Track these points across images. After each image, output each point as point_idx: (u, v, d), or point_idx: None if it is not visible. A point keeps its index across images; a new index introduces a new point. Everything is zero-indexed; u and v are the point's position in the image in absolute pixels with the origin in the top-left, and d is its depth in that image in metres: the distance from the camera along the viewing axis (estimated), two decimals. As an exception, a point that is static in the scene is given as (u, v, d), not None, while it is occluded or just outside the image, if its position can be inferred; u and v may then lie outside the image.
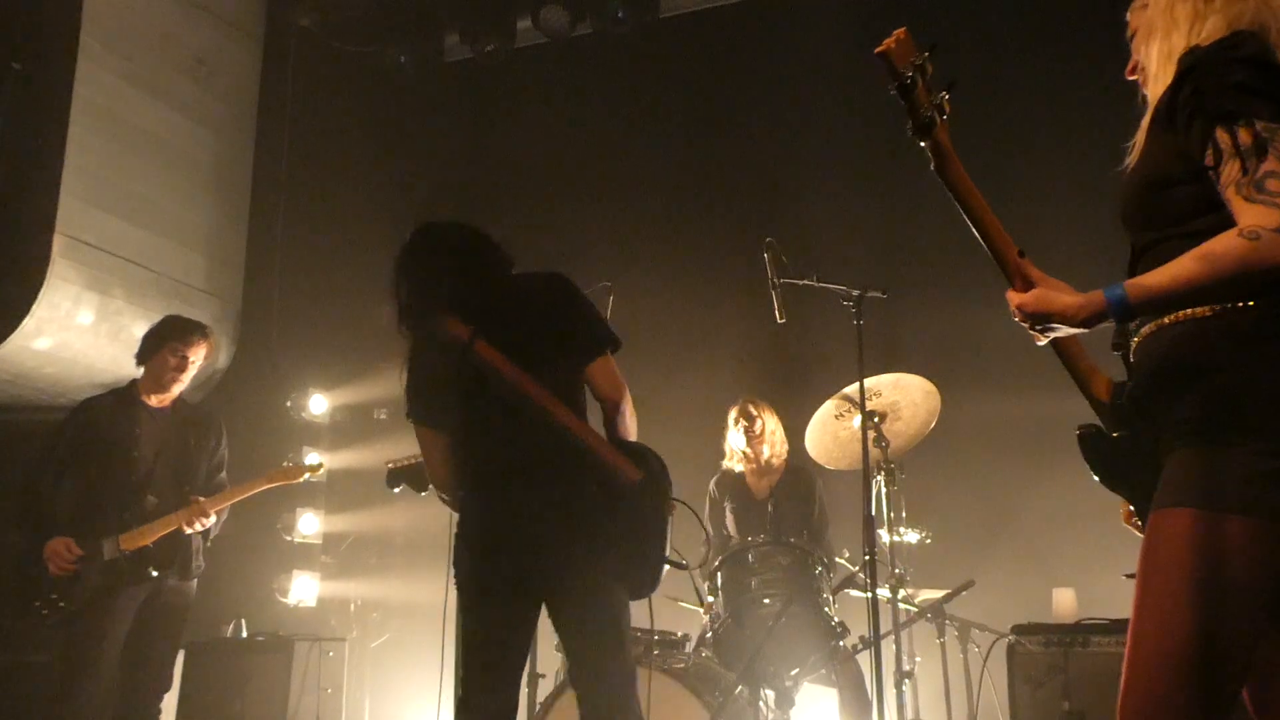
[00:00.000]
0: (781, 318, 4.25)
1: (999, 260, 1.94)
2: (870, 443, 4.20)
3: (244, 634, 5.62)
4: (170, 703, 4.62)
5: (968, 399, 4.92)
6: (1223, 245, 1.74)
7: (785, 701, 4.04)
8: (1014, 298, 1.94)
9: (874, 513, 4.13)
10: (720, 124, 6.65)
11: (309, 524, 6.81)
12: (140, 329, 4.76)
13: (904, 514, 4.51)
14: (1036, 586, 4.83)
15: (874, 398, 4.36)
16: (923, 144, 1.84)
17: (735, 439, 5.05)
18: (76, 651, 4.15)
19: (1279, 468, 1.72)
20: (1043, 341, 1.98)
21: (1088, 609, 4.23)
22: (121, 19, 6.10)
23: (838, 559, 4.58)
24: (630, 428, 3.15)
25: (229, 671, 5.28)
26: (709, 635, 4.23)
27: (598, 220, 6.69)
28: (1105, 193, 2.08)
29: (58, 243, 5.59)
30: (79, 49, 5.82)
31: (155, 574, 4.26)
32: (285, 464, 4.70)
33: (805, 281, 4.23)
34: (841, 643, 4.15)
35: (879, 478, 4.39)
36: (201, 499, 4.32)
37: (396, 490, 3.65)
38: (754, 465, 5.03)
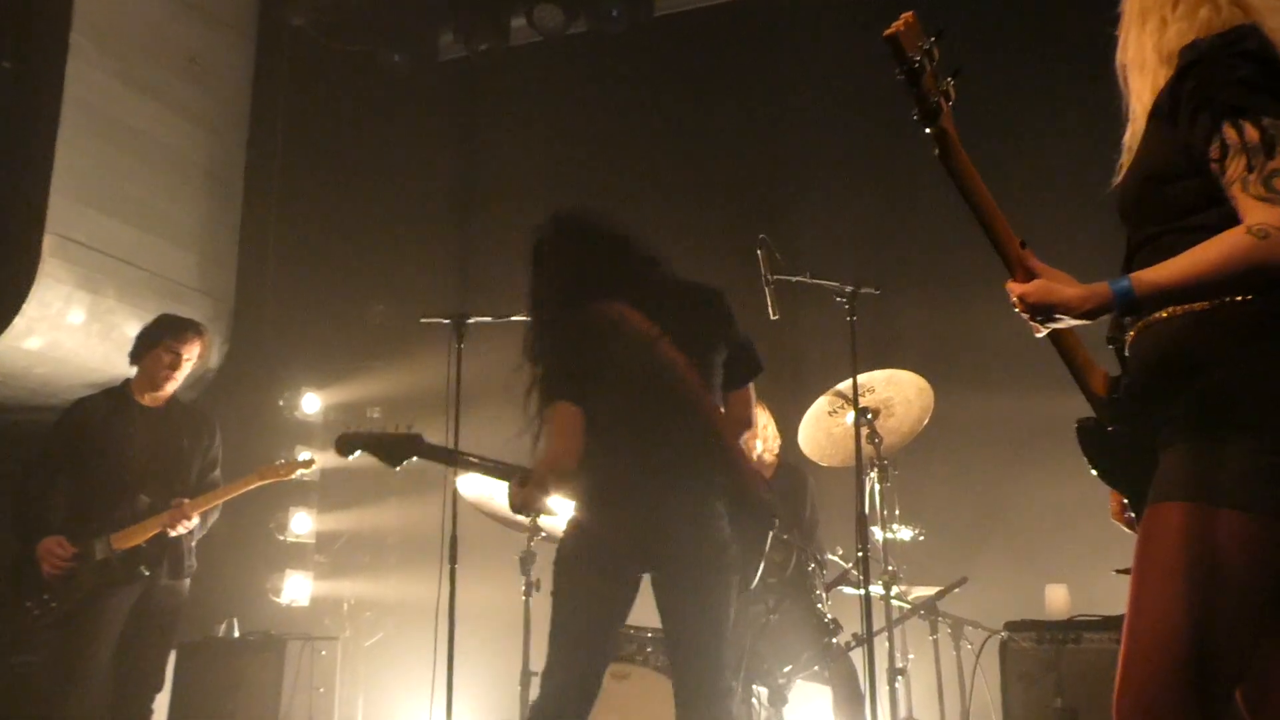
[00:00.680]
0: (775, 314, 4.24)
1: (1000, 251, 1.92)
2: (863, 439, 4.20)
3: (236, 633, 5.60)
4: (162, 702, 4.61)
5: (961, 396, 4.92)
6: (1230, 242, 1.74)
7: (779, 699, 4.03)
8: (1015, 288, 1.92)
9: (867, 509, 4.13)
10: (713, 122, 6.64)
11: (302, 523, 6.80)
12: (132, 328, 4.75)
13: (897, 511, 4.51)
14: (1029, 583, 4.83)
15: (867, 394, 4.36)
16: (928, 130, 1.82)
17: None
18: (69, 651, 4.14)
19: (1275, 463, 1.72)
20: (1042, 333, 1.96)
21: (1080, 606, 4.24)
22: (113, 17, 6.07)
23: (831, 556, 4.58)
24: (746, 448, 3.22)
25: (221, 671, 5.26)
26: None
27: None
28: (1105, 185, 2.07)
29: (48, 242, 5.56)
30: (70, 47, 5.78)
31: (147, 573, 4.24)
32: (278, 462, 4.68)
33: (798, 278, 4.23)
34: (834, 640, 4.14)
35: (872, 474, 4.40)
36: (185, 501, 4.30)
37: (351, 458, 3.54)
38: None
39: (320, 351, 7.10)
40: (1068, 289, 1.88)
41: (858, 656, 4.17)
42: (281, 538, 6.72)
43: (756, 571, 3.14)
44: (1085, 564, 4.67)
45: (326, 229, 7.28)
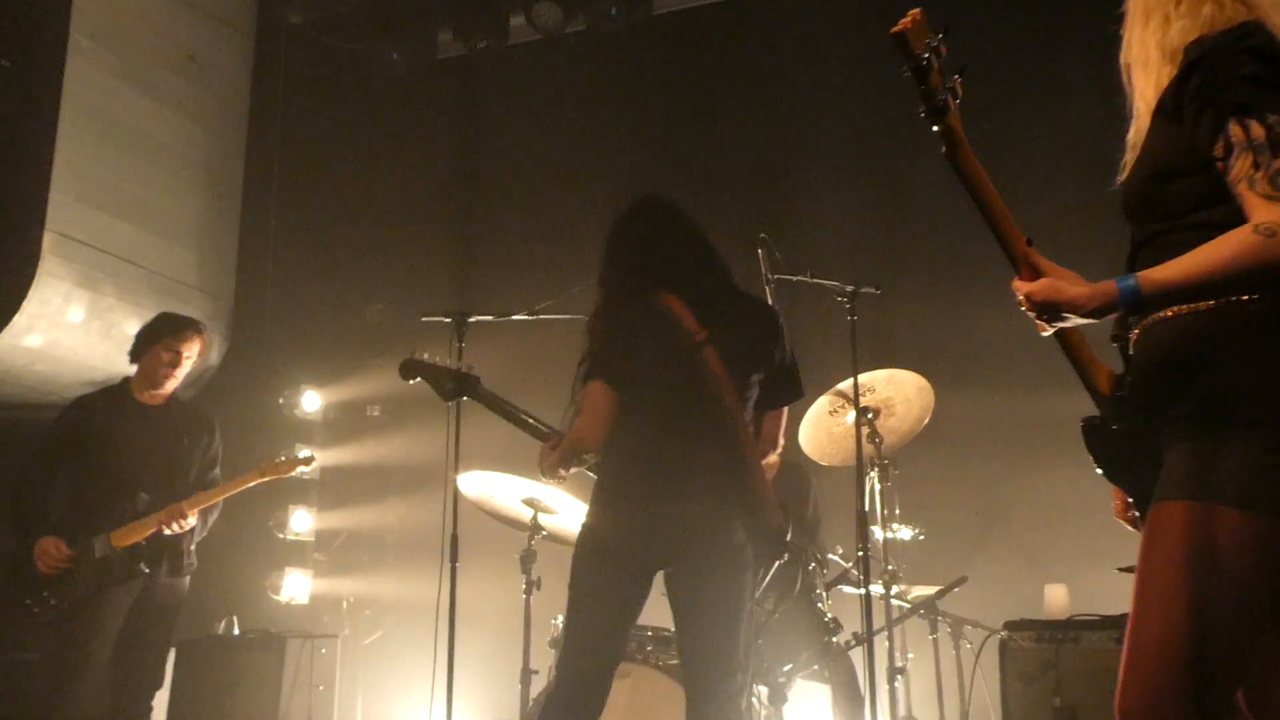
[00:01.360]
0: (775, 314, 4.24)
1: (1006, 248, 1.92)
2: (864, 439, 4.21)
3: (236, 631, 5.60)
4: (162, 700, 4.61)
5: (961, 395, 4.92)
6: (1238, 240, 1.74)
7: (778, 698, 4.03)
8: (1021, 287, 1.92)
9: (867, 509, 4.14)
10: (713, 120, 6.65)
11: (301, 521, 6.80)
12: (131, 326, 4.75)
13: (897, 510, 4.52)
14: (1029, 583, 4.84)
15: (868, 394, 4.36)
16: (935, 128, 1.82)
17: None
18: (68, 649, 4.14)
19: (1278, 462, 1.72)
20: (1048, 332, 1.96)
21: (1080, 605, 4.24)
22: (111, 15, 6.07)
23: (831, 555, 4.58)
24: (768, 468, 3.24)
25: (221, 669, 5.25)
26: (703, 631, 4.22)
27: (590, 216, 6.65)
28: (1110, 182, 2.07)
29: (48, 239, 5.56)
30: (68, 45, 5.78)
31: (146, 570, 4.24)
32: (278, 458, 4.68)
33: (799, 278, 4.23)
34: (834, 639, 4.15)
35: (872, 474, 4.40)
36: (182, 502, 4.29)
37: (412, 382, 3.62)
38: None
39: (320, 349, 7.11)
40: (1074, 287, 1.88)
41: (857, 655, 4.17)
42: (281, 536, 6.72)
43: (752, 597, 3.11)
44: (1084, 564, 4.67)
45: (326, 227, 7.28)
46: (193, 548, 4.46)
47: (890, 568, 4.30)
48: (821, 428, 4.60)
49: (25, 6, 5.86)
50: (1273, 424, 1.73)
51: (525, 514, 4.12)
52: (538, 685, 4.17)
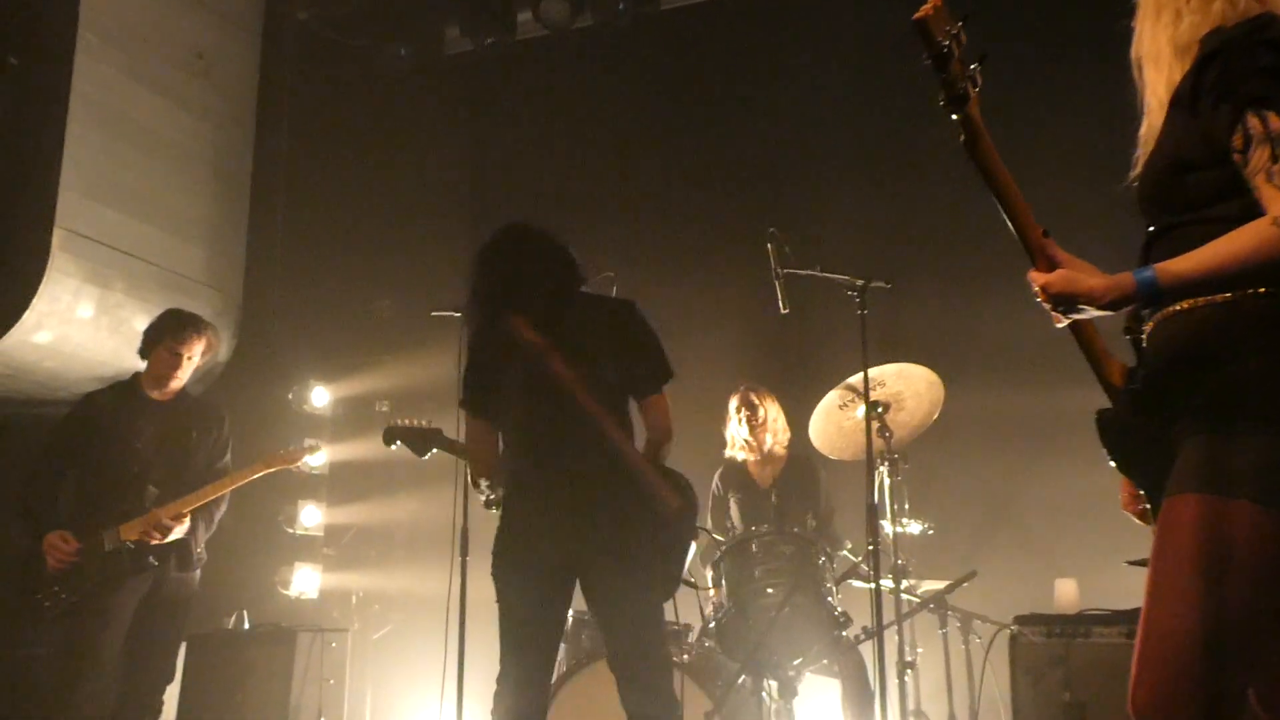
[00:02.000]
0: (785, 308, 4.25)
1: (1023, 239, 1.92)
2: (874, 433, 4.21)
3: (246, 625, 5.62)
4: (173, 693, 4.62)
5: (971, 389, 4.91)
6: (1255, 233, 1.74)
7: (788, 691, 4.04)
8: (1038, 278, 1.92)
9: (877, 503, 4.14)
10: (722, 115, 6.63)
11: (311, 516, 6.81)
12: (141, 322, 4.76)
13: (906, 505, 4.51)
14: (1039, 577, 4.83)
15: (877, 388, 4.36)
16: (955, 117, 1.82)
17: (737, 429, 5.06)
18: (78, 643, 4.15)
19: None
20: (1063, 324, 1.96)
21: (1090, 600, 4.23)
22: (119, 13, 6.07)
23: (842, 551, 4.58)
24: (668, 454, 3.35)
25: (231, 663, 5.28)
26: (712, 625, 4.24)
27: (600, 212, 6.68)
28: (1126, 174, 2.06)
29: (57, 236, 5.56)
30: (77, 43, 5.78)
31: (155, 564, 4.26)
32: (284, 449, 4.69)
33: (808, 272, 4.24)
34: (844, 633, 4.15)
35: (882, 468, 4.40)
36: (158, 510, 4.28)
37: (392, 447, 3.81)
38: (757, 455, 5.04)
39: (329, 345, 7.12)
40: (1091, 279, 1.87)
41: (867, 650, 4.17)
42: (290, 530, 6.73)
43: (677, 580, 3.28)
44: (1095, 558, 4.66)
45: (334, 222, 7.29)
46: (202, 542, 4.47)
47: (900, 562, 4.30)
48: (831, 422, 4.60)
49: (34, 5, 5.87)
50: None
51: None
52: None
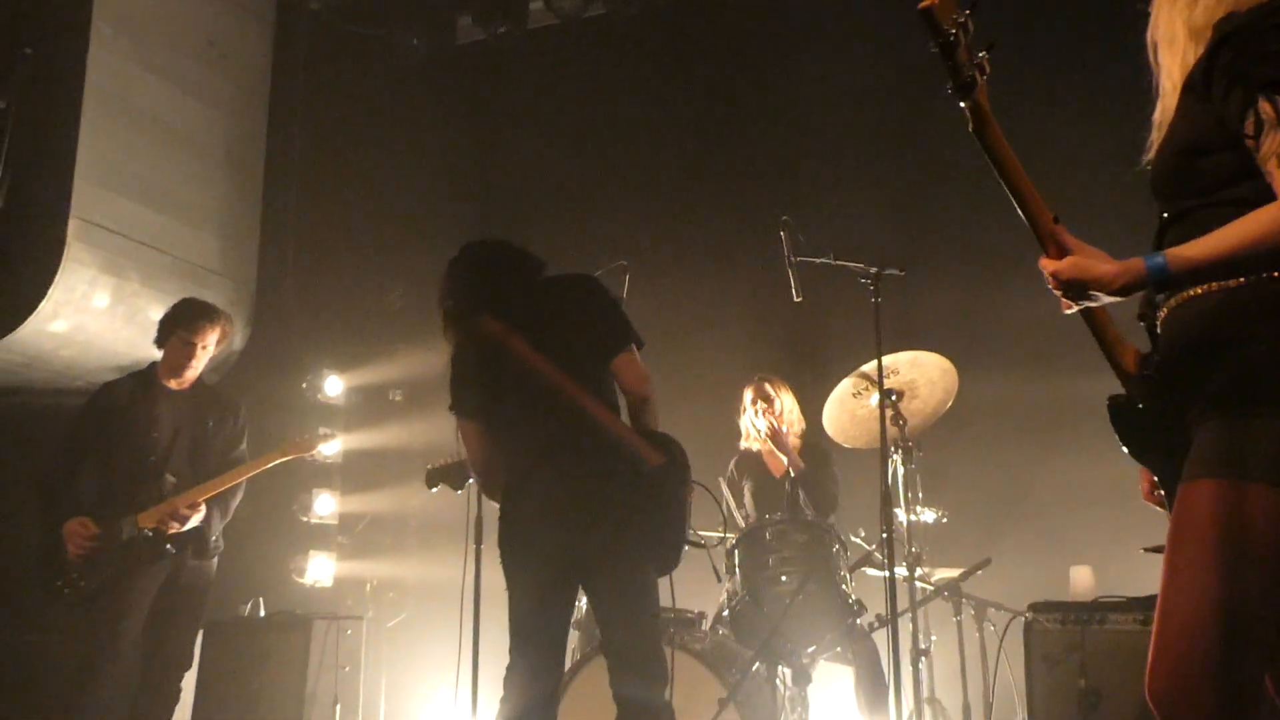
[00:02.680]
0: (798, 296, 4.24)
1: (1033, 226, 1.91)
2: (887, 421, 4.20)
3: (262, 613, 5.65)
4: (189, 680, 4.65)
5: (985, 377, 4.90)
6: (1268, 217, 1.72)
7: (802, 678, 4.05)
8: (1048, 265, 1.91)
9: (891, 491, 4.13)
10: (735, 103, 6.62)
11: (325, 505, 6.84)
12: (156, 312, 4.78)
13: (920, 492, 4.51)
14: (1054, 564, 4.83)
15: (891, 376, 4.35)
16: (962, 105, 1.81)
17: (753, 419, 5.05)
18: (98, 630, 4.19)
19: None
20: (1073, 310, 1.95)
21: (1105, 587, 4.22)
22: (132, 3, 6.09)
23: (854, 538, 4.58)
24: (654, 418, 3.36)
25: (247, 650, 5.31)
26: (726, 613, 4.24)
27: (612, 201, 6.67)
28: (1138, 159, 2.05)
29: (73, 226, 5.60)
30: (90, 33, 5.81)
31: (173, 551, 4.29)
32: (298, 438, 4.71)
33: (822, 260, 4.23)
34: (858, 620, 4.15)
35: (896, 456, 4.39)
36: (175, 499, 4.32)
37: (434, 490, 3.91)
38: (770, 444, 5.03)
39: (342, 334, 7.14)
40: (1102, 265, 1.86)
41: (881, 637, 4.17)
42: (305, 519, 6.76)
43: (680, 540, 3.29)
44: (1110, 545, 4.66)
45: (347, 212, 7.30)
46: (218, 530, 4.50)
47: (914, 550, 4.29)
48: (845, 410, 4.59)
49: (48, -5, 5.90)
50: None
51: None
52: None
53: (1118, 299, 1.87)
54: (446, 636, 4.67)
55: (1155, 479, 2.09)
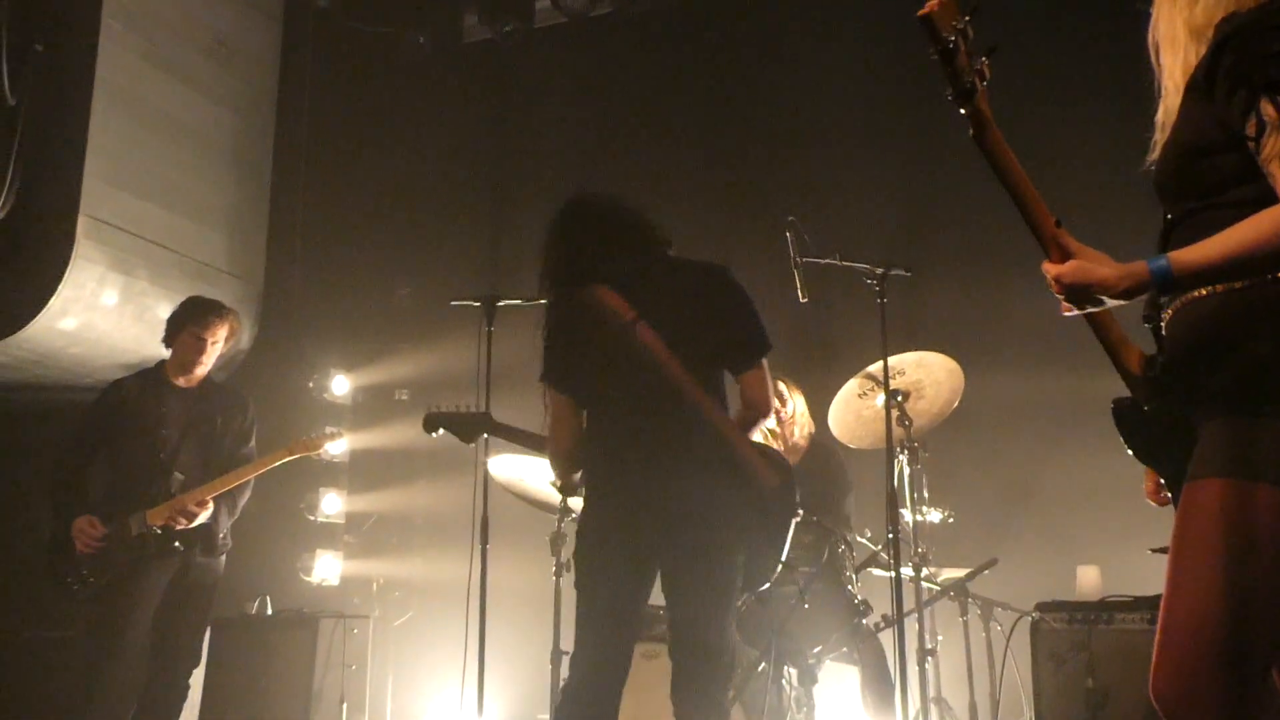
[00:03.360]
0: (804, 297, 4.24)
1: (1035, 230, 1.91)
2: (893, 421, 4.20)
3: (269, 611, 5.67)
4: (197, 678, 4.67)
5: (991, 377, 4.89)
6: (1270, 219, 1.72)
7: (808, 678, 4.04)
8: (1051, 269, 1.90)
9: (897, 491, 4.13)
10: (741, 102, 6.61)
11: (332, 504, 6.86)
12: (164, 310, 4.80)
13: (926, 493, 4.50)
14: (1060, 564, 4.81)
15: (897, 376, 4.34)
16: (963, 111, 1.81)
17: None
18: (106, 626, 4.22)
19: None
20: (1073, 313, 1.95)
21: (1113, 586, 4.22)
22: (142, 0, 6.11)
23: (860, 539, 4.57)
24: (757, 432, 3.16)
25: (255, 648, 5.34)
26: (732, 613, 4.23)
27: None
28: (1139, 161, 2.05)
29: (82, 224, 5.62)
30: (100, 30, 5.83)
31: (181, 548, 4.30)
32: (306, 436, 4.72)
33: (828, 260, 4.21)
34: (864, 621, 4.15)
35: (902, 456, 4.38)
36: (183, 495, 4.32)
37: (434, 435, 3.75)
38: (780, 445, 5.03)
39: (349, 333, 7.15)
40: (1104, 269, 1.86)
41: (887, 637, 4.17)
42: (312, 518, 6.78)
43: (775, 565, 3.12)
44: (1117, 544, 4.64)
45: (354, 210, 7.32)
46: (226, 528, 4.51)
47: (920, 550, 4.29)
48: (851, 410, 4.59)
49: (58, -7, 5.91)
50: None
51: (555, 496, 4.14)
52: (568, 666, 4.20)
53: (1122, 302, 1.87)
54: (453, 635, 4.68)
55: (1160, 479, 2.09)
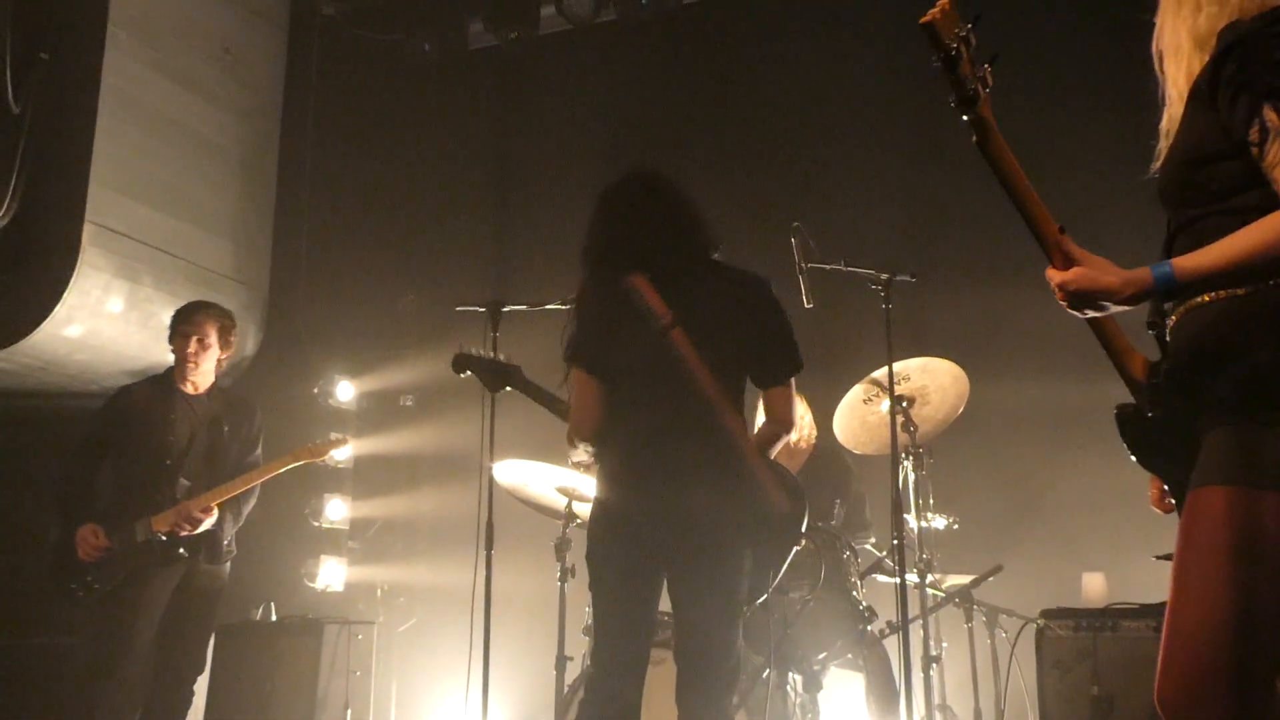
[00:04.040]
0: (809, 303, 4.23)
1: (1039, 237, 1.91)
2: (898, 427, 4.19)
3: (274, 617, 5.67)
4: (202, 684, 4.67)
5: (996, 383, 4.89)
6: (1273, 226, 1.73)
7: (813, 685, 4.04)
8: (1055, 275, 1.91)
9: (902, 497, 4.12)
10: (745, 108, 6.62)
11: (336, 510, 6.86)
12: (168, 316, 4.81)
13: (931, 499, 4.50)
14: (1065, 571, 4.81)
15: (902, 382, 4.35)
16: (965, 118, 1.82)
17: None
18: (111, 633, 4.22)
19: None
20: (1075, 314, 1.95)
21: (1118, 594, 4.21)
22: (148, 8, 6.14)
23: (866, 545, 4.56)
24: (776, 450, 3.14)
25: (260, 654, 5.33)
26: (736, 619, 4.22)
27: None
28: (1143, 169, 2.06)
29: (88, 231, 5.64)
30: (106, 38, 5.86)
31: (186, 555, 4.30)
32: (311, 442, 4.72)
33: (833, 266, 4.22)
34: (869, 627, 4.15)
35: (907, 463, 4.38)
36: (188, 501, 4.33)
37: (462, 376, 3.73)
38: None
39: (354, 339, 7.16)
40: (1108, 275, 1.86)
41: (892, 644, 4.16)
42: (316, 524, 6.78)
43: (769, 582, 3.10)
44: (1122, 552, 4.64)
45: (359, 217, 7.33)
46: (231, 534, 4.52)
47: (925, 556, 4.28)
48: (856, 416, 4.59)
49: (64, 1, 5.93)
50: None
51: (559, 502, 4.14)
52: (572, 672, 4.20)
53: (1125, 308, 1.87)
54: (457, 641, 4.67)
55: (1165, 486, 2.09)
